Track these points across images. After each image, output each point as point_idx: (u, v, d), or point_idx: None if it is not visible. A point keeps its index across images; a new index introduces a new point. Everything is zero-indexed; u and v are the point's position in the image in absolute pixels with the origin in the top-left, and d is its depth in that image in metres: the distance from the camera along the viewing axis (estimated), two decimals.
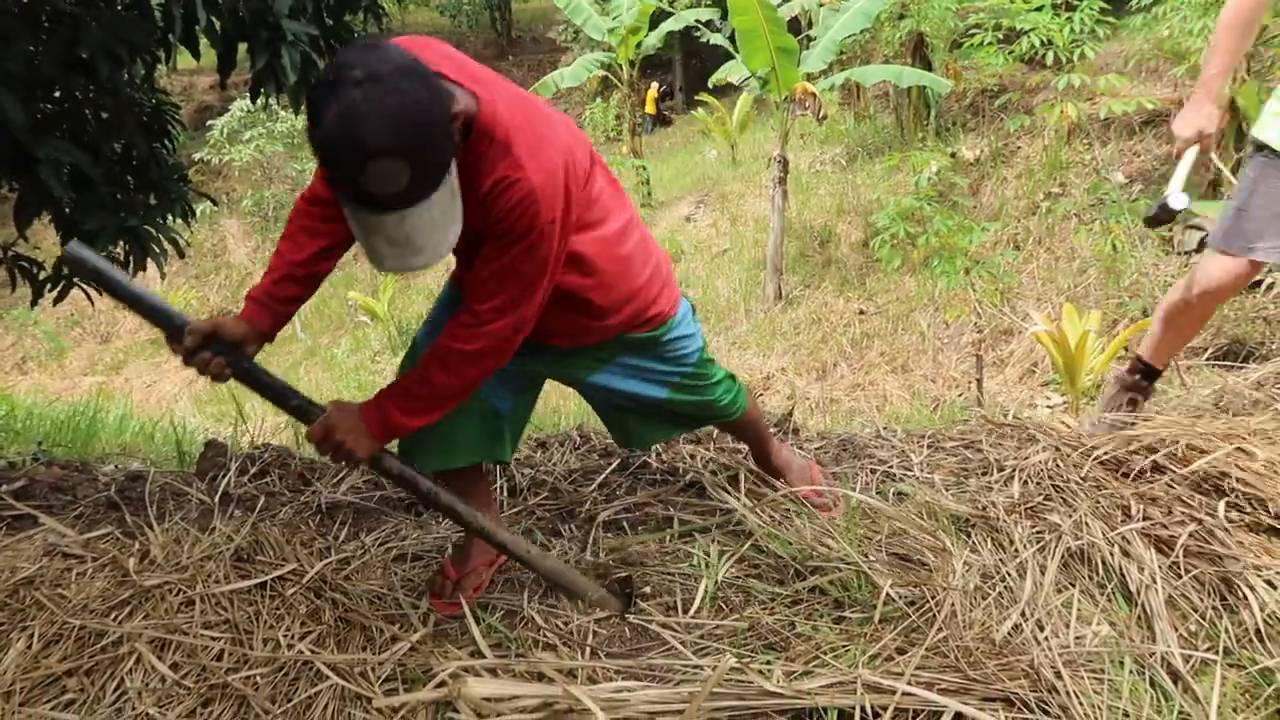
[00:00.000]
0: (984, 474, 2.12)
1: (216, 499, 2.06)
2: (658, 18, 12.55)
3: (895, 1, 9.18)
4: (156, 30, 3.31)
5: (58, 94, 3.34)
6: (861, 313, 8.97)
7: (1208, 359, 6.96)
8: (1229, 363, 6.45)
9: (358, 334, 12.13)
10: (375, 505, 2.16)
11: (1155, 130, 9.31)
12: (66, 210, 3.30)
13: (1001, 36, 8.69)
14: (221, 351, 1.59)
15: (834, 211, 10.57)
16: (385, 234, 1.40)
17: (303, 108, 3.60)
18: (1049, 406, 7.00)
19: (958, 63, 10.30)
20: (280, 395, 1.67)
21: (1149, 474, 2.07)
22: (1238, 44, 2.28)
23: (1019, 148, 9.98)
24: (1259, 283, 7.56)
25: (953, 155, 10.08)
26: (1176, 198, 2.31)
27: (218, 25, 3.16)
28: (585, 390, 1.95)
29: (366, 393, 8.55)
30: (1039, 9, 8.01)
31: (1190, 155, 2.37)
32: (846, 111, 12.87)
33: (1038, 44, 8.00)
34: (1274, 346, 6.73)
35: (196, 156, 13.98)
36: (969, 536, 1.84)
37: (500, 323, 1.58)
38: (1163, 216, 2.35)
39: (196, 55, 3.50)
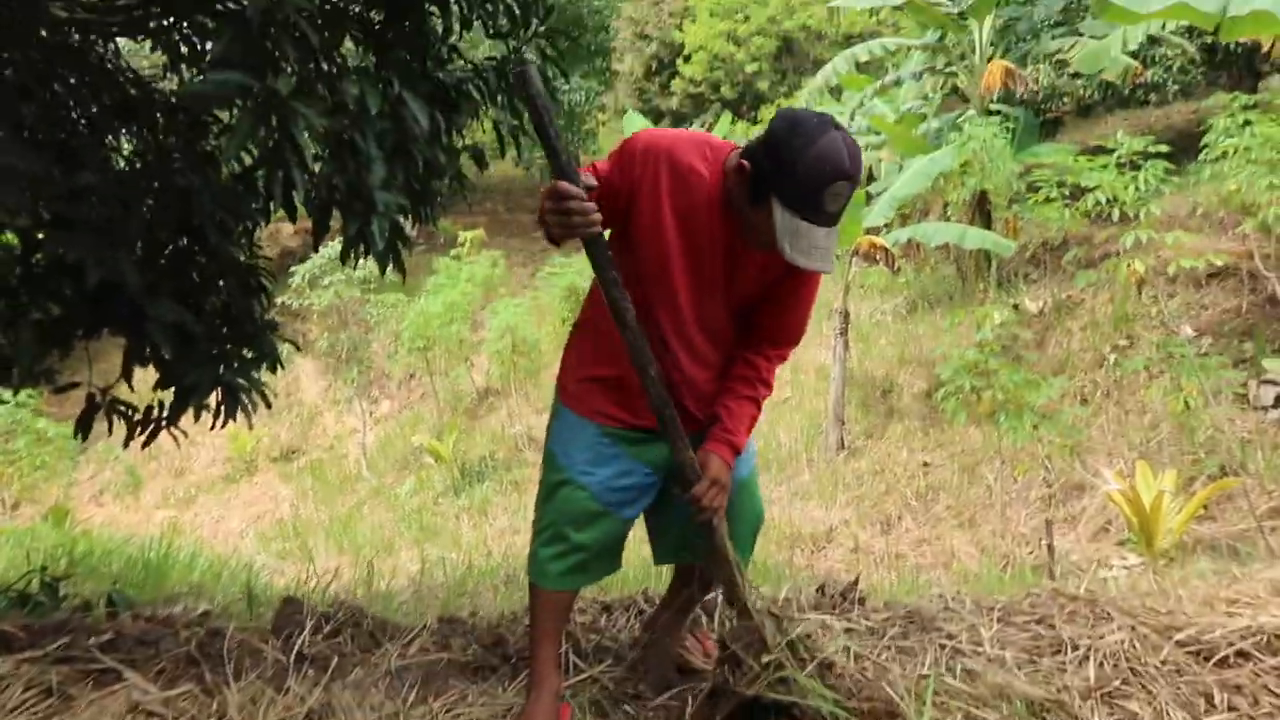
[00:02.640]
0: (1056, 653, 2.07)
1: (291, 658, 2.11)
2: None
3: (957, 161, 9.43)
4: (259, 198, 3.59)
5: (166, 255, 3.60)
6: (926, 465, 8.86)
7: None
8: None
9: (421, 474, 12.31)
10: (442, 669, 2.18)
11: (1222, 283, 9.27)
12: (167, 359, 3.51)
13: (1067, 193, 8.85)
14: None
15: (895, 361, 10.60)
16: (825, 245, 1.74)
17: (389, 265, 3.78)
18: (1125, 567, 6.76)
19: (1019, 218, 10.46)
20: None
21: (1232, 660, 2.01)
22: None
23: (1083, 300, 9.98)
24: None
25: (1015, 307, 10.12)
26: None
27: (315, 197, 3.40)
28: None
29: (430, 534, 8.57)
30: (1103, 167, 8.17)
31: None
32: (907, 262, 13.07)
33: (1103, 201, 8.12)
34: None
35: (278, 300, 14.65)
36: None
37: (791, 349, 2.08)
38: None
39: (294, 220, 3.76)
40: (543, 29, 3.58)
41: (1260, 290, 8.72)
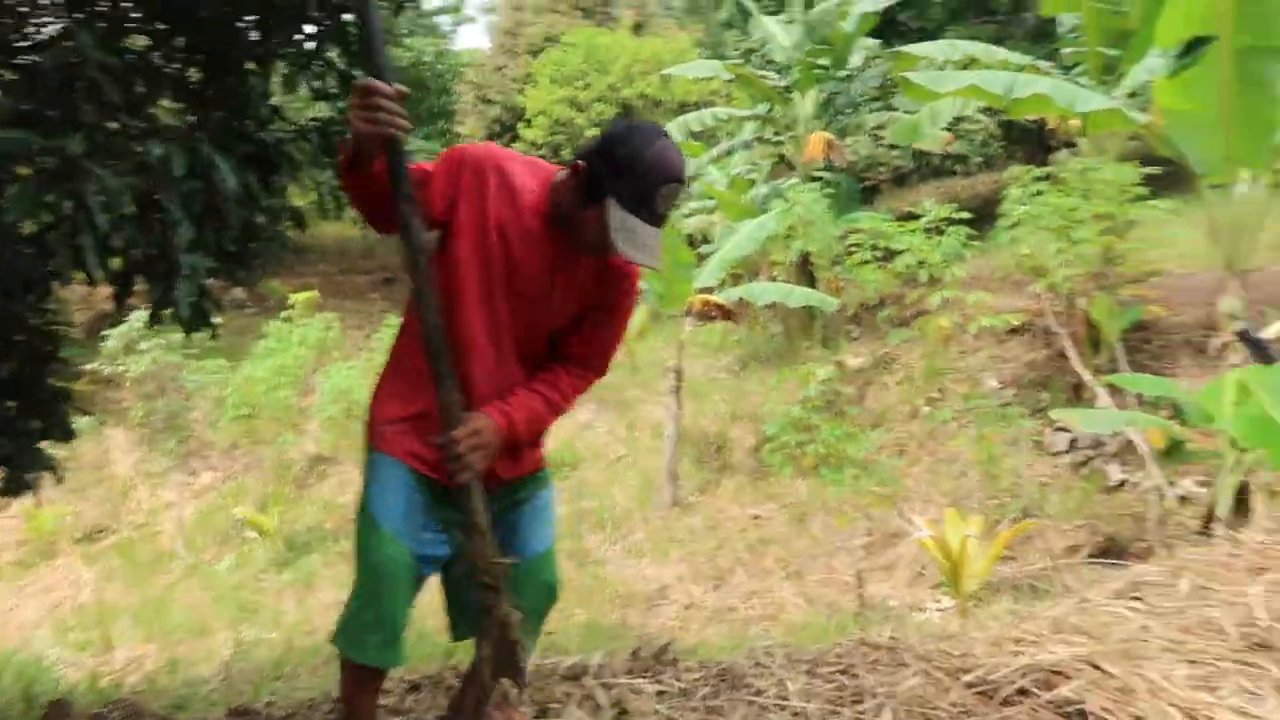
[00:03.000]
0: (857, 702, 2.16)
1: None
2: None
3: (783, 225, 9.91)
4: (52, 263, 3.37)
5: None
6: (756, 518, 9.10)
7: (1085, 557, 7.25)
8: (1106, 560, 6.74)
9: (243, 549, 11.61)
10: None
11: (1021, 339, 10.08)
12: None
13: (880, 255, 9.46)
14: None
15: (728, 417, 10.90)
16: (655, 244, 1.81)
17: (206, 323, 3.62)
18: (939, 610, 7.12)
19: (839, 278, 11.06)
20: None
21: (1014, 698, 2.15)
22: None
23: (899, 355, 10.60)
24: (1123, 482, 8.03)
25: (838, 363, 10.65)
26: None
27: (113, 264, 3.23)
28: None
29: (248, 613, 8.07)
30: (912, 232, 8.80)
31: None
32: (740, 321, 13.56)
33: (912, 263, 8.73)
34: (1142, 545, 7.06)
35: (88, 366, 13.64)
36: None
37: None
38: None
39: (93, 284, 3.54)
40: None
41: (1053, 345, 9.51)
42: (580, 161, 1.85)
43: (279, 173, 3.58)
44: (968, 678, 2.21)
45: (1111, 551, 7.12)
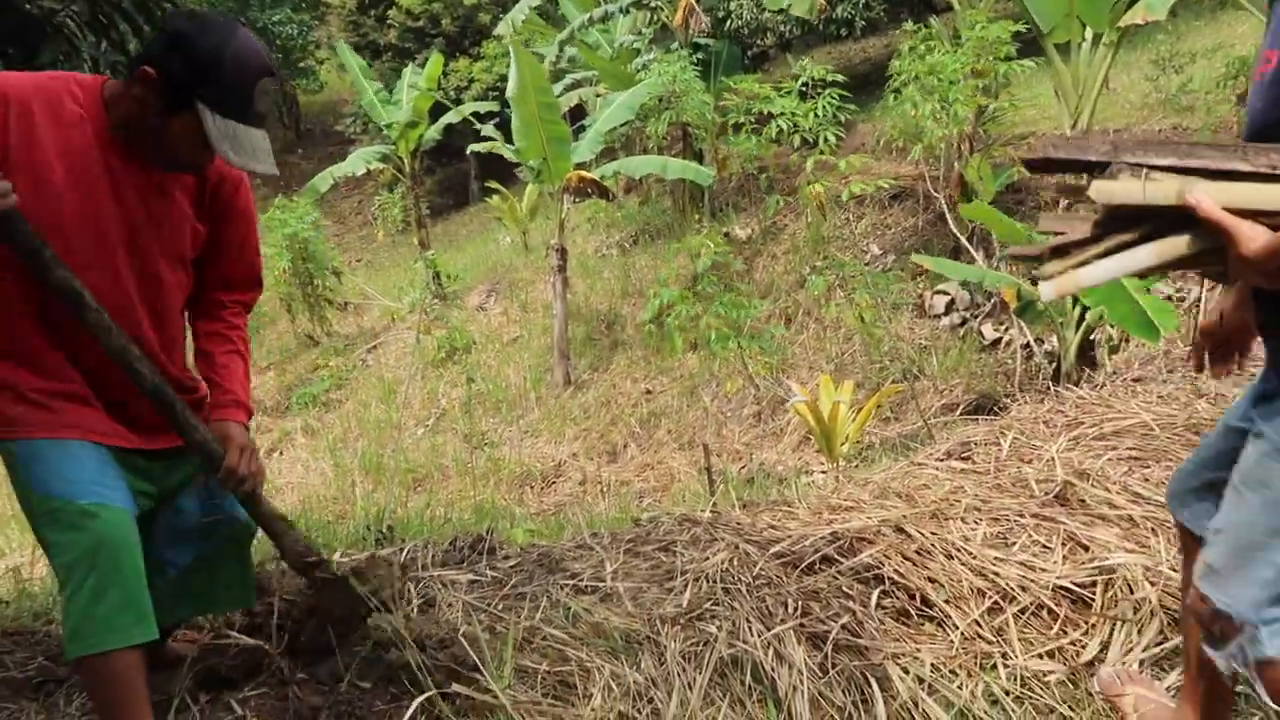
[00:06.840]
0: (669, 580, 2.17)
1: None
2: (439, 110, 12.64)
3: (655, 96, 9.62)
4: None
5: None
6: (648, 392, 9.17)
7: (961, 414, 7.51)
8: (978, 416, 7.00)
9: None
10: None
11: (903, 204, 10.14)
12: None
13: (754, 120, 9.29)
14: None
15: (619, 294, 10.83)
16: (266, 146, 1.69)
17: None
18: (822, 472, 7.34)
19: (721, 148, 10.90)
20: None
21: (817, 566, 2.18)
22: None
23: (786, 225, 10.59)
24: (997, 340, 8.28)
25: (726, 235, 10.59)
26: None
27: None
28: (177, 523, 1.84)
29: None
30: (787, 94, 8.64)
31: None
32: (630, 196, 13.33)
33: (785, 128, 8.60)
34: (1010, 400, 7.35)
35: None
36: (636, 653, 1.87)
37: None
38: None
39: None
40: None
41: (932, 209, 9.60)
42: (148, 67, 1.60)
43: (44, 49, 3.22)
44: (777, 548, 2.23)
45: (983, 407, 7.39)
